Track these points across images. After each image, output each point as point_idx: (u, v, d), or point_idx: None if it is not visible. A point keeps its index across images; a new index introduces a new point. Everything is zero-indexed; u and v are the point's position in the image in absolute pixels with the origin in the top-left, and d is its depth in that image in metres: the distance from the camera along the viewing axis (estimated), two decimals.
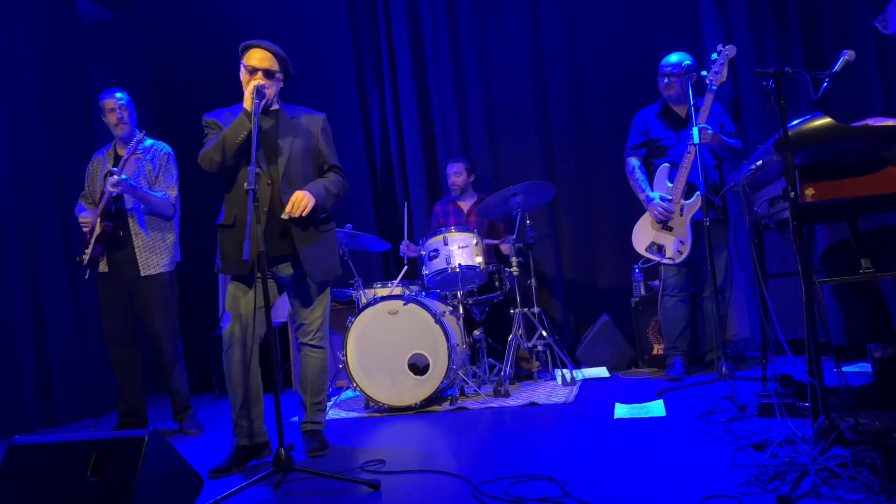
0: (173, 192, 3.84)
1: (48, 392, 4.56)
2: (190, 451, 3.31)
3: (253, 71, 2.98)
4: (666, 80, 4.04)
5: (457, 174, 4.92)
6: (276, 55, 3.02)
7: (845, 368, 3.46)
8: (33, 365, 4.49)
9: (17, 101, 4.63)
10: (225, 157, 2.94)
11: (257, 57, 2.99)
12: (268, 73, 2.99)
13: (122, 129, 3.82)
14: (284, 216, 2.92)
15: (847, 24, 4.41)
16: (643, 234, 4.13)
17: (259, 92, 2.86)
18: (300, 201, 2.91)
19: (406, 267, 4.64)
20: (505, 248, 4.75)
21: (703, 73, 3.72)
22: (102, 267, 3.78)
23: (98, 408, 4.79)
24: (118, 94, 3.84)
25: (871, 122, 2.47)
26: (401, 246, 4.89)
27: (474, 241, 4.19)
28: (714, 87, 3.70)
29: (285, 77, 3.10)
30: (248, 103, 2.89)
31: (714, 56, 3.68)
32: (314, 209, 2.95)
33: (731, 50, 3.67)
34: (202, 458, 3.08)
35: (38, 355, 4.53)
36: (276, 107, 3.11)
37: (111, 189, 3.61)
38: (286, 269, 3.07)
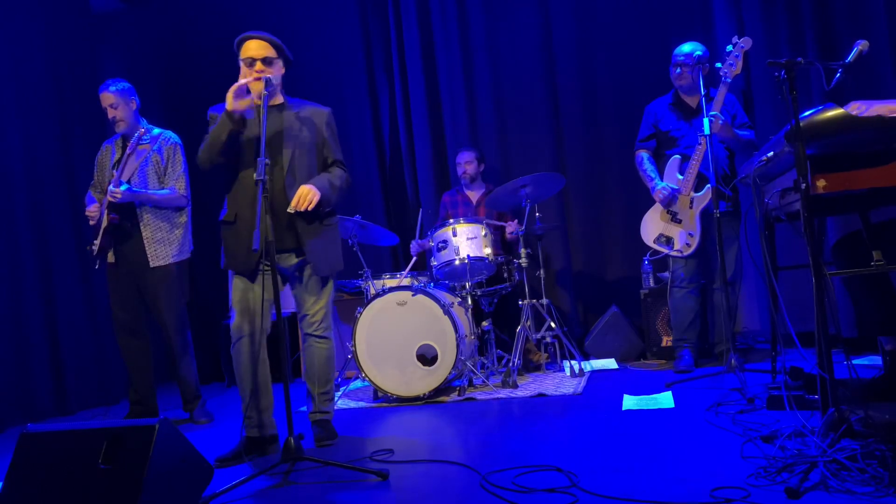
0: (182, 184, 3.84)
1: (60, 380, 4.60)
2: (199, 439, 3.33)
3: (251, 62, 2.95)
4: (678, 70, 4.01)
5: (468, 163, 4.91)
6: (270, 42, 2.99)
7: (855, 361, 3.45)
8: (45, 353, 4.52)
9: (28, 90, 4.65)
10: (212, 157, 2.95)
11: (252, 47, 2.97)
12: (266, 61, 2.96)
13: (120, 127, 3.81)
14: (290, 210, 2.92)
15: (860, 13, 4.37)
16: (652, 226, 4.11)
17: (268, 84, 2.85)
18: (306, 195, 2.92)
19: (415, 258, 4.64)
20: (511, 228, 4.69)
21: (718, 64, 3.69)
22: (110, 258, 3.79)
23: (109, 396, 4.83)
24: (112, 88, 3.77)
25: (884, 104, 2.44)
26: (412, 244, 4.90)
27: (483, 233, 4.18)
28: (728, 80, 3.66)
29: (285, 63, 3.08)
30: (229, 103, 2.86)
31: (729, 48, 3.64)
32: (319, 203, 2.95)
33: (746, 42, 3.62)
34: (212, 447, 3.10)
35: (49, 344, 4.57)
36: (281, 100, 3.09)
37: (111, 198, 3.60)
38: (289, 260, 3.07)
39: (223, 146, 2.92)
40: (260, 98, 2.84)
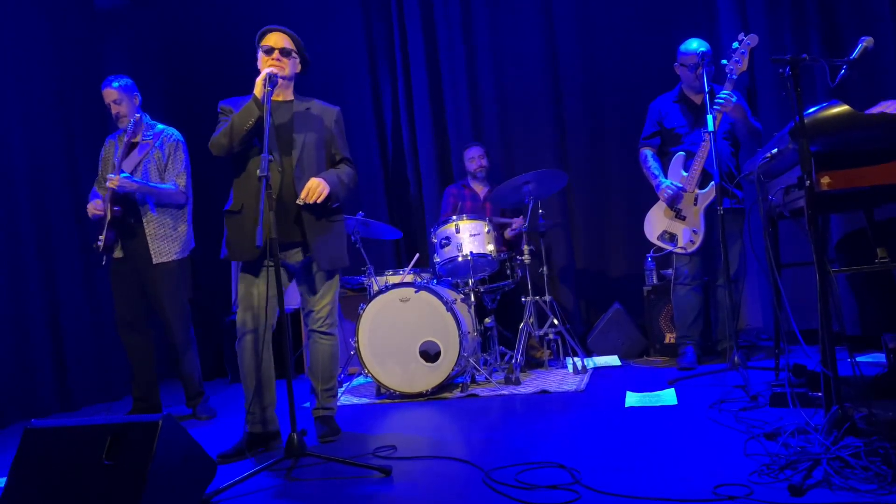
0: (182, 180, 3.84)
1: (63, 377, 4.61)
2: (202, 435, 3.34)
3: (269, 50, 3.00)
4: (702, 71, 3.79)
5: (481, 157, 4.93)
6: (291, 37, 3.05)
7: (859, 358, 3.45)
8: (48, 350, 4.54)
9: (32, 87, 4.65)
10: (232, 143, 2.94)
11: (273, 38, 3.03)
12: (284, 52, 3.02)
13: (123, 123, 3.81)
14: (299, 202, 2.94)
15: (865, 10, 4.35)
16: (655, 223, 4.10)
17: (271, 79, 2.86)
18: (315, 188, 2.93)
19: (417, 255, 4.64)
20: (516, 224, 4.71)
21: (724, 61, 3.67)
22: (117, 253, 3.79)
23: (112, 392, 4.85)
24: (115, 84, 3.79)
25: (887, 105, 2.44)
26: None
27: (486, 229, 4.18)
28: (734, 77, 3.65)
29: (302, 62, 3.11)
30: (258, 89, 2.89)
31: (735, 45, 3.63)
32: (328, 197, 2.96)
33: (752, 39, 3.60)
34: (215, 443, 3.11)
35: (53, 340, 4.58)
36: (291, 96, 3.12)
37: (111, 185, 3.60)
38: (295, 256, 3.08)
39: (247, 133, 2.92)
40: (265, 90, 2.84)
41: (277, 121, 3.01)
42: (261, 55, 3.04)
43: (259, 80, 2.88)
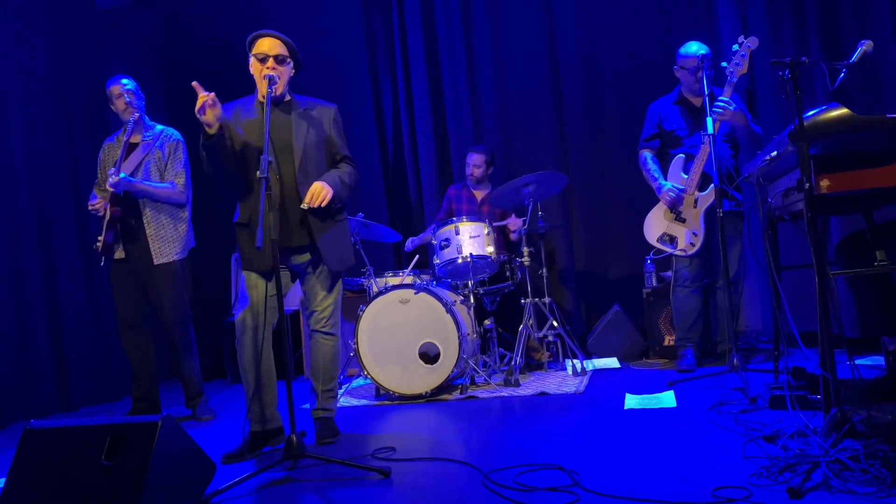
0: (181, 180, 3.85)
1: (63, 377, 4.61)
2: (202, 436, 3.34)
3: (264, 58, 2.98)
4: (702, 73, 3.76)
5: (476, 166, 4.90)
6: (284, 42, 3.03)
7: (858, 361, 3.45)
8: (49, 350, 4.54)
9: (33, 87, 4.66)
10: (208, 167, 2.95)
11: (266, 45, 2.99)
12: (278, 59, 2.99)
13: (127, 115, 3.82)
14: (303, 206, 2.94)
15: (865, 13, 4.36)
16: (655, 225, 4.10)
17: (271, 80, 2.86)
18: (319, 192, 2.93)
19: (417, 256, 4.64)
20: (513, 225, 4.73)
21: (724, 63, 3.67)
22: (119, 254, 3.79)
23: (112, 393, 4.85)
24: (124, 80, 3.83)
25: None
26: (408, 241, 4.91)
27: (486, 231, 4.18)
28: (734, 79, 3.65)
29: (296, 65, 3.10)
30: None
31: (735, 47, 3.63)
32: (331, 200, 2.96)
33: (752, 42, 3.60)
34: (214, 444, 3.11)
35: (53, 341, 4.58)
36: (288, 98, 3.11)
37: (110, 189, 3.62)
38: (302, 257, 3.08)
39: (214, 154, 2.89)
40: (264, 97, 2.84)
41: (278, 124, 2.99)
42: (254, 62, 3.01)
43: (264, 83, 2.88)
